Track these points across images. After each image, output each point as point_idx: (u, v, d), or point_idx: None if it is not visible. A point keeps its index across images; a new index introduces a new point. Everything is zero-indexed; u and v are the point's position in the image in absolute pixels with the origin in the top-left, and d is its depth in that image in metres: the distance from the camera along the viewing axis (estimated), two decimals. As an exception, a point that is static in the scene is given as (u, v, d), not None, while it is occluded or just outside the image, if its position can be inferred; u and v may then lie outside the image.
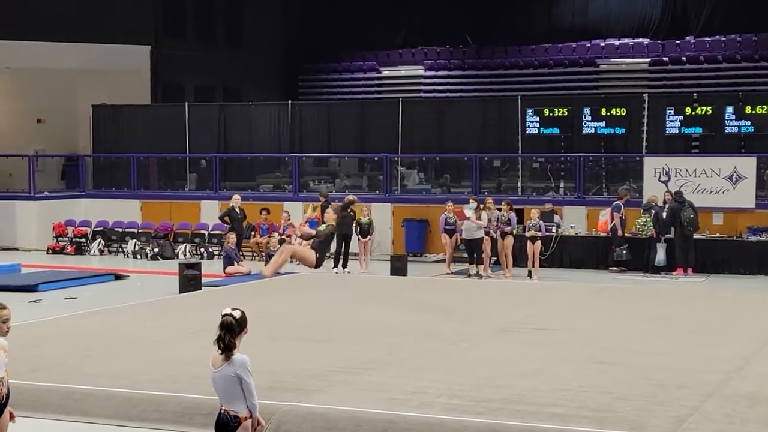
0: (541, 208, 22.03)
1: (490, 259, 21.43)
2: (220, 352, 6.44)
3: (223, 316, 6.48)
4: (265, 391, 7.69)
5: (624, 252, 21.53)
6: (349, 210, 21.85)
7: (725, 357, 11.52)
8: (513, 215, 21.35)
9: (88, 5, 29.12)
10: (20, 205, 26.87)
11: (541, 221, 21.17)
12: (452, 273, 21.41)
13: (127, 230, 26.21)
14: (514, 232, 21.35)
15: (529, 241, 20.94)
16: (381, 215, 24.42)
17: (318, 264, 13.05)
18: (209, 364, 6.48)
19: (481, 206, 21.18)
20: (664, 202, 21.40)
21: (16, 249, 26.19)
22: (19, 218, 26.71)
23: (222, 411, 6.48)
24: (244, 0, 35.40)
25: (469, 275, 20.82)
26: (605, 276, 20.88)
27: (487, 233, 21.04)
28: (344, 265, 21.82)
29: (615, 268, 21.54)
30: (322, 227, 13.50)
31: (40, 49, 28.80)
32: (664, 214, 21.20)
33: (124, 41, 30.12)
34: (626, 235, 21.84)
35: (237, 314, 6.49)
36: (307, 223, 23.08)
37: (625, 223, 21.74)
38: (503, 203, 21.55)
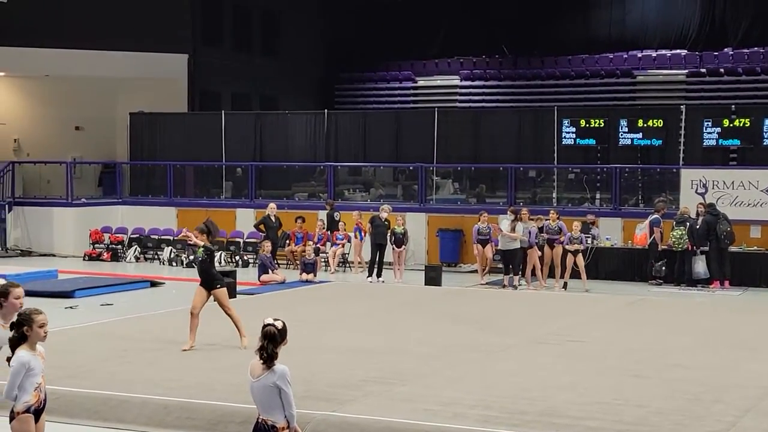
0: (583, 220, 21.92)
1: (534, 270, 21.23)
2: (261, 361, 6.44)
3: (266, 326, 6.48)
4: (299, 400, 7.68)
5: (663, 268, 21.37)
6: (384, 220, 21.92)
7: (763, 372, 11.40)
8: (562, 224, 21.22)
9: (126, 14, 29.36)
10: (58, 212, 27.09)
11: (582, 234, 21.07)
12: (486, 283, 21.32)
13: (162, 237, 26.36)
14: (564, 241, 21.25)
15: (570, 253, 20.78)
16: (416, 225, 24.39)
17: None
18: (248, 373, 6.49)
19: (518, 218, 21.11)
20: (698, 215, 21.20)
21: (54, 255, 26.41)
22: (57, 224, 26.93)
23: (260, 420, 6.49)
24: (282, 9, 35.55)
25: (504, 286, 20.73)
26: (641, 288, 20.71)
27: (550, 243, 20.91)
28: (378, 275, 21.81)
29: (653, 282, 21.38)
30: None
31: (79, 57, 29.06)
32: (698, 227, 21.02)
33: (161, 50, 30.34)
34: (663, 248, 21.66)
35: (279, 324, 6.50)
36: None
37: (663, 236, 21.56)
38: (551, 212, 21.43)
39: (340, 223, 24.29)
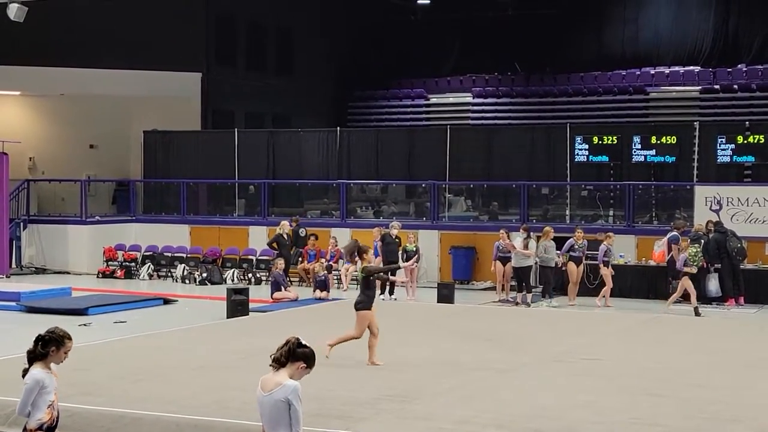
0: (593, 237, 21.87)
1: (548, 288, 21.17)
2: (273, 370, 6.37)
3: (296, 341, 6.42)
4: (312, 418, 7.65)
5: None
6: (395, 237, 21.89)
7: (780, 390, 11.31)
8: (585, 243, 21.20)
9: (140, 33, 29.49)
10: (72, 229, 27.18)
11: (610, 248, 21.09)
12: (499, 301, 21.26)
13: (176, 255, 26.40)
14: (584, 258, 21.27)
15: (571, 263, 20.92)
16: (428, 242, 24.37)
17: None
18: (258, 388, 6.41)
19: (531, 235, 21.11)
20: (707, 232, 21.09)
21: (68, 273, 26.48)
22: (71, 242, 27.02)
23: None
24: (295, 28, 35.66)
25: (517, 303, 20.67)
26: (656, 305, 20.60)
27: (577, 260, 20.90)
28: (391, 292, 21.77)
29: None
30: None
31: (94, 76, 29.18)
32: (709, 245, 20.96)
33: (175, 68, 30.45)
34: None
35: (308, 349, 6.42)
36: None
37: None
38: (577, 230, 21.40)
39: (310, 239, 24.39)
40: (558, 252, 21.35)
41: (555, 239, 21.92)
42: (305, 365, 6.30)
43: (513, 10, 35.24)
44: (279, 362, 6.31)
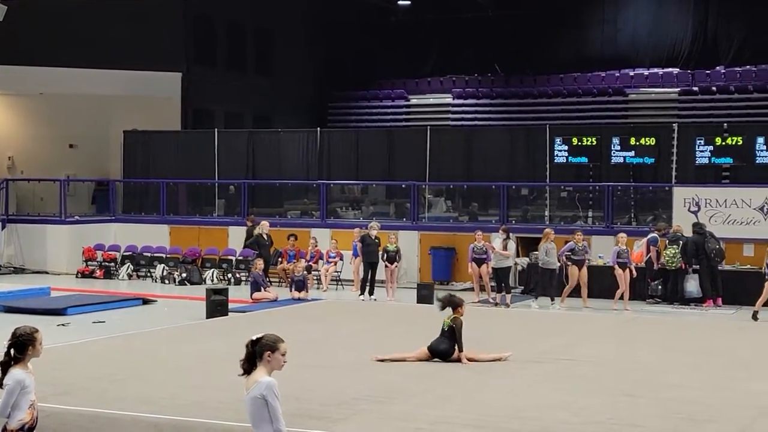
0: (567, 238, 21.94)
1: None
2: (246, 376, 6.43)
3: (249, 343, 6.46)
4: (291, 418, 7.64)
5: (659, 287, 21.39)
6: (374, 238, 21.92)
7: (756, 391, 11.38)
8: (586, 245, 21.17)
9: (120, 32, 29.39)
10: (51, 229, 27.06)
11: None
12: (479, 302, 21.30)
13: (155, 255, 26.33)
14: (590, 261, 21.22)
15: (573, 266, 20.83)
16: (408, 243, 24.39)
17: None
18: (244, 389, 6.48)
19: (511, 236, 21.16)
20: (699, 233, 21.14)
21: (47, 272, 26.36)
22: (50, 242, 26.90)
23: None
24: (275, 28, 35.62)
25: (496, 304, 20.71)
26: (634, 306, 20.69)
27: (579, 263, 20.75)
28: (371, 293, 21.79)
29: (651, 300, 21.38)
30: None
31: (73, 75, 29.08)
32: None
33: (155, 68, 30.37)
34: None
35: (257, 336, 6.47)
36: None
37: (659, 255, 21.56)
38: (577, 233, 21.19)
39: (290, 240, 24.42)
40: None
41: (533, 241, 21.92)
42: (271, 352, 6.34)
43: (493, 12, 35.33)
44: (247, 369, 6.38)
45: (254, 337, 6.44)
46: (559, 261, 20.81)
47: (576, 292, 20.96)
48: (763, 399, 10.93)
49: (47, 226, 27.21)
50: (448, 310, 13.18)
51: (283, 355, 6.44)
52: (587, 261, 21.05)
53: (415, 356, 13.07)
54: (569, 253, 20.76)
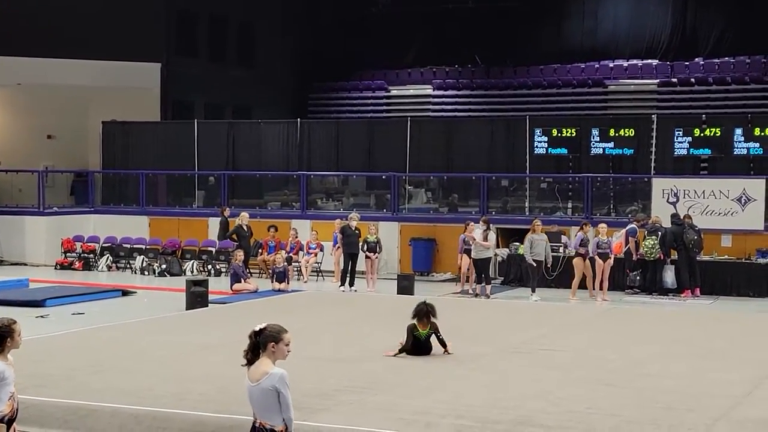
0: (550, 230, 22.00)
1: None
2: (248, 363, 6.51)
3: (252, 334, 6.56)
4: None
5: (638, 277, 21.50)
6: (354, 229, 21.93)
7: (734, 381, 11.47)
8: (610, 239, 21.09)
9: (99, 23, 29.25)
10: (29, 221, 26.93)
11: (610, 239, 20.96)
12: (459, 293, 21.33)
13: (135, 246, 26.26)
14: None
15: (599, 259, 20.66)
16: (388, 234, 24.42)
17: None
18: (246, 378, 6.54)
19: (491, 227, 21.18)
20: (682, 224, 21.23)
21: (25, 264, 26.25)
22: (29, 233, 26.77)
23: (257, 424, 6.53)
24: (256, 19, 35.52)
25: (477, 295, 20.77)
26: (613, 297, 20.80)
27: (584, 256, 20.66)
28: (351, 284, 21.81)
29: (630, 291, 21.49)
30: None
31: (52, 65, 28.93)
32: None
33: (135, 59, 30.24)
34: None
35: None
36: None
37: (638, 246, 21.64)
38: (601, 226, 21.01)
39: (270, 231, 24.36)
40: (559, 245, 21.48)
41: (513, 232, 21.92)
42: (275, 342, 6.49)
43: (473, 3, 35.39)
44: (250, 360, 6.49)
45: (257, 328, 6.51)
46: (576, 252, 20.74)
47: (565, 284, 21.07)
48: (739, 388, 11.03)
49: (26, 217, 27.07)
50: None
51: (287, 345, 6.57)
52: (610, 255, 20.73)
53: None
54: (581, 248, 20.58)
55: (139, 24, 30.50)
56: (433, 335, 12.77)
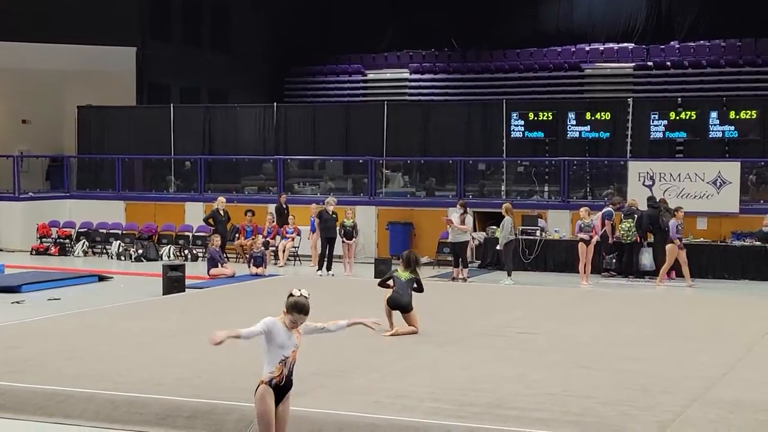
0: (528, 213, 22.05)
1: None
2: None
3: (289, 293, 7.77)
4: (249, 394, 7.67)
5: (614, 260, 21.59)
6: (332, 213, 21.90)
7: (709, 363, 11.57)
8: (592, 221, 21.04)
9: (73, 6, 29.03)
10: (4, 206, 26.76)
11: (593, 220, 20.84)
12: (436, 276, 21.34)
13: (111, 231, 26.13)
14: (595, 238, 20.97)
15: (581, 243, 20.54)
16: (365, 218, 24.41)
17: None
18: None
19: (468, 210, 21.17)
20: (660, 208, 21.28)
21: (0, 250, 26.07)
22: (3, 219, 26.60)
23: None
24: (231, 2, 35.35)
25: (454, 278, 20.81)
26: (589, 280, 20.87)
27: (586, 241, 20.48)
28: (328, 268, 21.80)
29: (606, 274, 21.57)
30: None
31: (26, 49, 28.72)
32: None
33: (109, 43, 30.06)
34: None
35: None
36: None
37: (614, 229, 21.73)
38: (584, 209, 20.93)
39: (247, 215, 24.33)
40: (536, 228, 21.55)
41: (490, 215, 21.88)
42: (285, 311, 7.76)
43: (450, -14, 35.32)
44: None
45: (292, 292, 7.84)
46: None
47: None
48: (714, 370, 11.12)
49: (1, 202, 26.88)
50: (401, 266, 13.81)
51: (287, 314, 7.83)
52: (592, 237, 20.54)
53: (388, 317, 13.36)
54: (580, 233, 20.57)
55: (114, 8, 30.31)
56: (414, 284, 13.60)
